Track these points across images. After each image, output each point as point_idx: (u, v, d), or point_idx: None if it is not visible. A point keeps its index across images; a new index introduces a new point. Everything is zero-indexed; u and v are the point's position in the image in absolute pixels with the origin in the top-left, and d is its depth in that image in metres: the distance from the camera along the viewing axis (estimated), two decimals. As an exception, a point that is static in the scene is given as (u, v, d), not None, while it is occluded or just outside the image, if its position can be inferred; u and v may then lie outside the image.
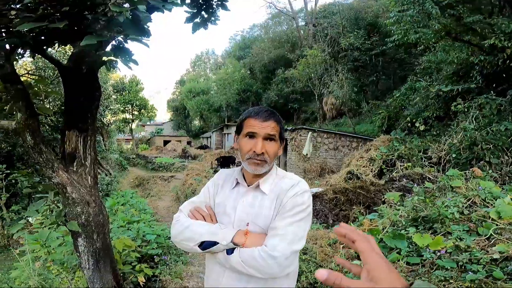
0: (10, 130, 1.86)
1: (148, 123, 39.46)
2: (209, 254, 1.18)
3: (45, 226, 3.30)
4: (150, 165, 18.37)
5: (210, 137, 28.00)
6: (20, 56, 2.29)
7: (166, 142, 29.35)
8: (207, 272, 1.26)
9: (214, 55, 48.78)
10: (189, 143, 30.74)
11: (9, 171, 7.27)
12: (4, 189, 7.45)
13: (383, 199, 5.38)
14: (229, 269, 1.12)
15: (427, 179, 5.74)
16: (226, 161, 13.43)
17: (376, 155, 7.79)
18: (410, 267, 2.73)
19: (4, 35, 1.62)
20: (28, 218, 3.67)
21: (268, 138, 1.13)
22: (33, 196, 7.58)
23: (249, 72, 26.67)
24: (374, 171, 7.49)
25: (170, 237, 4.13)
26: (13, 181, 7.36)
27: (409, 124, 8.58)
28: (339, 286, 0.48)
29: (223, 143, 24.68)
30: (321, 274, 0.50)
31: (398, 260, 2.83)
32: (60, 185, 1.96)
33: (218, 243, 1.09)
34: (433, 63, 8.92)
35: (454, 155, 6.15)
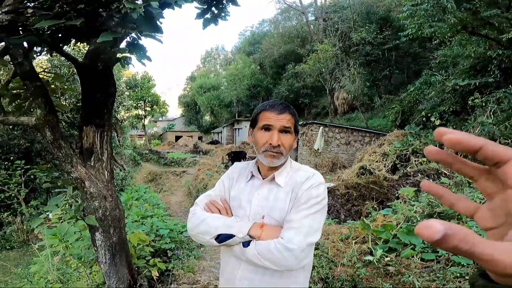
0: (30, 126, 1.92)
1: (160, 119, 39.98)
2: (225, 247, 1.19)
3: (63, 221, 3.39)
4: (162, 160, 18.66)
5: (221, 132, 28.14)
6: (38, 54, 2.35)
7: (177, 138, 29.70)
8: (223, 265, 1.27)
9: (224, 51, 48.84)
10: (200, 138, 31.03)
11: (28, 167, 7.54)
12: (23, 184, 7.72)
13: (397, 195, 5.30)
14: (245, 262, 1.13)
15: (443, 175, 5.61)
16: (237, 156, 13.48)
17: (389, 150, 7.65)
18: (425, 263, 2.69)
19: (21, 33, 1.66)
20: (47, 213, 3.78)
21: (284, 130, 1.14)
22: (51, 191, 7.85)
23: (259, 68, 26.56)
24: (388, 166, 7.37)
25: (182, 231, 4.18)
26: (32, 176, 7.63)
27: (424, 119, 8.39)
28: (464, 249, 0.25)
29: (234, 138, 24.77)
30: (433, 228, 0.25)
31: (412, 256, 2.79)
32: (79, 179, 2.02)
33: (234, 236, 1.10)
34: (449, 57, 8.67)
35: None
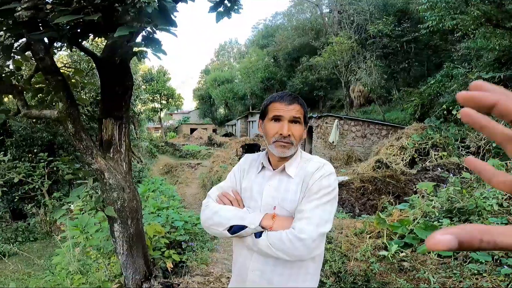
0: (52, 119, 1.99)
1: (175, 111, 40.56)
2: (237, 239, 1.21)
3: (84, 212, 3.51)
4: (178, 153, 19.00)
5: (235, 124, 28.26)
6: (58, 49, 2.43)
7: (192, 130, 30.08)
8: (235, 257, 1.29)
9: (238, 44, 48.61)
10: (214, 130, 31.27)
11: (51, 159, 7.83)
12: (46, 176, 8.05)
13: (414, 189, 5.18)
14: (257, 252, 1.15)
15: (464, 169, 5.42)
16: (251, 148, 13.52)
17: (407, 144, 7.45)
18: (442, 259, 2.63)
19: (42, 29, 1.71)
20: (69, 204, 3.92)
21: (294, 120, 1.14)
22: (73, 183, 8.16)
23: (272, 60, 26.36)
24: (405, 160, 7.19)
25: (197, 223, 4.24)
26: (55, 168, 7.94)
27: (445, 112, 8.10)
28: (489, 247, 0.24)
29: (248, 130, 24.83)
30: (444, 241, 0.24)
31: (429, 252, 2.74)
32: (99, 171, 2.09)
33: (246, 227, 1.12)
34: (472, 50, 8.34)
35: (494, 144, 5.73)
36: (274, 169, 1.22)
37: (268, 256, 1.12)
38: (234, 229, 1.13)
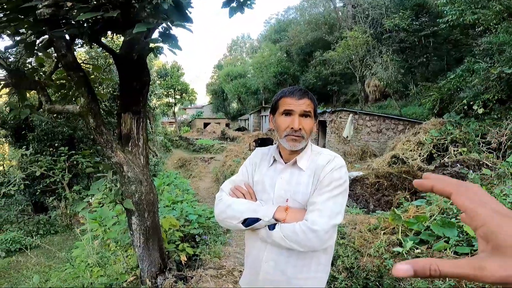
0: (75, 113, 2.07)
1: (189, 106, 41.00)
2: (249, 232, 1.24)
3: (103, 205, 3.60)
4: (191, 147, 19.25)
5: (248, 119, 28.29)
6: (79, 46, 2.50)
7: (206, 125, 30.36)
8: (248, 250, 1.32)
9: (250, 39, 48.47)
10: (227, 125, 31.44)
11: (72, 152, 8.08)
12: (67, 170, 8.32)
13: (431, 186, 5.05)
14: (271, 244, 1.17)
15: (485, 166, 5.24)
16: (264, 143, 13.51)
17: (425, 139, 7.26)
18: (458, 257, 2.57)
19: (63, 26, 1.77)
20: (90, 198, 4.03)
21: (304, 114, 1.17)
22: (92, 176, 8.40)
23: (285, 55, 26.17)
24: (423, 155, 7.01)
25: (210, 217, 4.28)
26: (75, 162, 8.19)
27: (465, 107, 7.83)
28: (436, 275, 0.32)
29: (261, 125, 24.82)
30: (402, 269, 0.32)
31: (445, 249, 2.68)
32: (118, 164, 2.16)
33: (260, 219, 1.15)
34: (494, 45, 8.01)
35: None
36: (285, 163, 1.24)
37: (282, 248, 1.15)
38: (248, 222, 1.16)
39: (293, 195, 1.18)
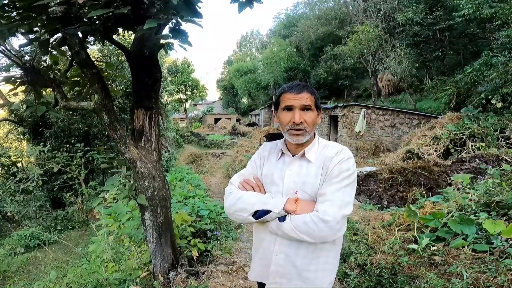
0: (89, 110, 2.11)
1: (200, 102, 41.26)
2: (258, 225, 1.26)
3: (117, 200, 3.66)
4: (202, 142, 19.39)
5: (259, 114, 28.26)
6: (91, 44, 2.53)
7: (216, 120, 30.54)
8: (256, 244, 1.33)
9: (259, 34, 48.21)
10: (238, 120, 31.52)
11: (87, 148, 8.25)
12: (83, 166, 8.51)
13: (449, 181, 4.92)
14: (281, 236, 1.19)
15: (504, 161, 5.05)
16: (274, 138, 13.29)
17: (442, 134, 7.06)
18: (476, 254, 2.50)
19: (75, 23, 1.79)
20: (105, 193, 4.11)
21: (304, 108, 1.19)
22: (107, 172, 8.57)
23: (295, 50, 25.99)
24: (439, 150, 6.83)
25: (221, 213, 4.29)
26: (90, 158, 8.36)
27: (483, 101, 7.58)
28: None
29: (271, 120, 24.74)
30: None
31: (463, 247, 2.61)
32: (131, 160, 2.19)
33: (270, 211, 1.16)
34: None
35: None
36: (293, 155, 1.25)
37: (292, 239, 1.16)
38: (259, 214, 1.18)
39: (302, 186, 1.20)
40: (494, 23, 8.47)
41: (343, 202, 1.10)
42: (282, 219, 1.15)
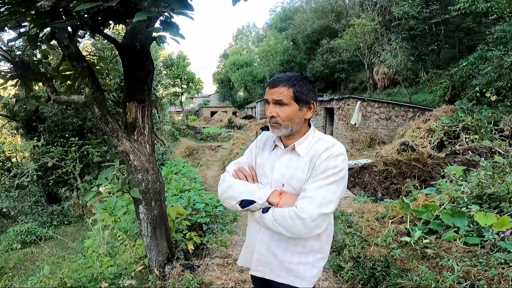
0: (80, 103, 2.08)
1: (196, 95, 41.03)
2: (250, 213, 1.28)
3: (112, 194, 3.64)
4: (199, 135, 19.34)
5: (255, 107, 28.18)
6: (81, 37, 2.48)
7: (213, 113, 30.37)
8: (247, 230, 1.39)
9: (255, 28, 47.89)
10: (234, 113, 31.38)
11: (81, 142, 8.15)
12: (78, 160, 8.44)
13: (442, 173, 4.97)
14: (263, 227, 1.22)
15: (497, 153, 5.11)
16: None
17: (436, 126, 7.10)
18: (468, 247, 2.54)
19: (64, 17, 1.75)
20: (99, 187, 4.06)
21: (277, 102, 1.18)
22: (102, 166, 8.49)
23: (291, 44, 25.91)
24: (433, 143, 6.88)
25: (217, 206, 4.28)
26: (85, 152, 8.30)
27: (477, 94, 7.64)
28: None
29: (268, 113, 24.69)
30: None
31: (455, 240, 2.65)
32: (124, 153, 2.17)
33: (255, 202, 1.18)
34: (508, 33, 7.79)
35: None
36: (285, 147, 1.27)
37: (273, 232, 1.19)
38: (244, 203, 1.20)
39: (289, 180, 1.20)
40: (489, 18, 8.52)
41: (324, 200, 1.09)
42: (265, 210, 1.17)
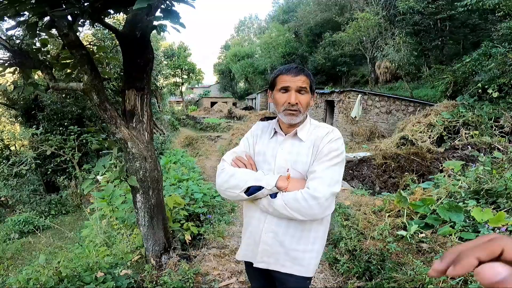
0: (79, 90, 2.07)
1: (196, 86, 40.69)
2: (248, 204, 1.29)
3: (110, 182, 3.63)
4: (198, 125, 19.31)
5: (255, 98, 28.05)
6: (81, 25, 2.45)
7: (213, 104, 30.25)
8: (247, 221, 1.35)
9: (258, 19, 47.37)
10: (234, 104, 31.26)
11: (80, 130, 8.11)
12: (76, 148, 8.41)
13: (440, 168, 4.99)
14: (272, 214, 1.21)
15: (496, 149, 5.12)
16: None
17: (436, 121, 7.09)
18: (463, 242, 2.55)
19: (63, 6, 1.73)
20: (96, 175, 4.05)
21: (300, 90, 1.21)
22: (101, 155, 8.47)
23: (294, 36, 25.71)
24: (433, 137, 6.88)
25: (215, 196, 4.28)
26: (84, 141, 8.27)
27: (479, 90, 7.61)
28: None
29: (268, 104, 24.60)
30: (497, 270, 0.30)
31: (450, 235, 2.67)
32: (122, 140, 2.17)
33: (263, 188, 1.18)
34: None
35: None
36: (285, 134, 1.28)
37: (282, 217, 1.20)
38: (251, 190, 1.20)
39: (294, 164, 1.23)
40: (496, 14, 8.43)
41: (332, 180, 1.14)
42: (273, 195, 1.17)
